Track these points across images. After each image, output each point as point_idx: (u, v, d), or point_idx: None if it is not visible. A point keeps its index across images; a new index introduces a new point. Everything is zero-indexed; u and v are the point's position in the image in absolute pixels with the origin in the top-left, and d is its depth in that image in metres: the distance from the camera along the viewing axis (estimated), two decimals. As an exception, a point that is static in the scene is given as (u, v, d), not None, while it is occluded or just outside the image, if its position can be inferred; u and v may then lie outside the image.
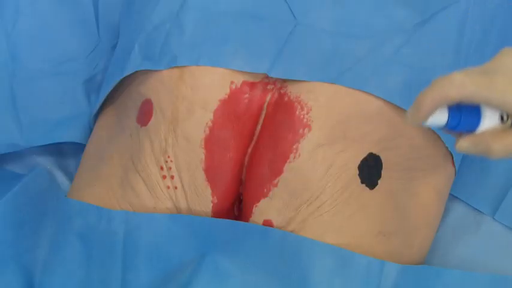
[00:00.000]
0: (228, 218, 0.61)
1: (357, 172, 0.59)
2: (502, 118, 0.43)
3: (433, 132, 0.62)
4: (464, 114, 0.43)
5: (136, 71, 0.65)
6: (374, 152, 0.60)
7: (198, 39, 0.62)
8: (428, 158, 0.63)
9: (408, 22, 0.62)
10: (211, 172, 0.60)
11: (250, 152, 0.62)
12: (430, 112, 0.43)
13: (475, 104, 0.43)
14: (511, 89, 0.41)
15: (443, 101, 0.42)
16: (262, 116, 0.62)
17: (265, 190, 0.59)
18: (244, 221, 0.60)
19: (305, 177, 0.58)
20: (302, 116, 0.59)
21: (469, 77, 0.42)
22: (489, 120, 0.43)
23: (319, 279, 0.57)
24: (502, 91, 0.41)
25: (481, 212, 0.70)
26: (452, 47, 0.63)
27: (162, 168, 0.61)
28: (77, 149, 0.78)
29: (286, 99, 0.60)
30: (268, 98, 0.61)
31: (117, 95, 0.70)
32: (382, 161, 0.60)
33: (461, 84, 0.41)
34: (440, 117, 0.43)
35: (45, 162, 0.77)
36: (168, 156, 0.61)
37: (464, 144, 0.45)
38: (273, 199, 0.59)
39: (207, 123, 0.60)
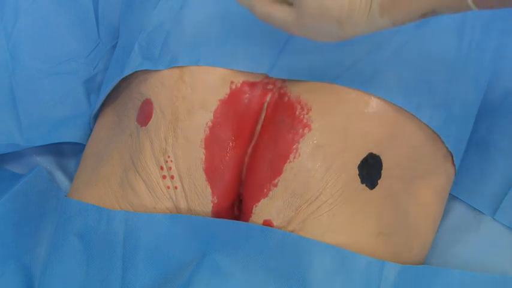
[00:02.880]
0: (228, 218, 0.61)
1: (357, 172, 0.59)
2: None
3: (433, 132, 0.62)
4: None
5: (137, 71, 0.65)
6: (374, 152, 0.60)
7: (198, 39, 0.62)
8: (428, 158, 0.63)
9: (408, 22, 0.62)
10: (211, 172, 0.60)
11: (250, 152, 0.62)
12: None
13: None
14: None
15: None
16: (262, 116, 0.62)
17: (265, 190, 0.59)
18: (244, 221, 0.60)
19: (305, 177, 0.58)
20: (302, 116, 0.59)
21: None
22: None
23: (319, 279, 0.57)
24: None
25: (481, 212, 0.70)
26: (452, 46, 0.63)
27: (162, 168, 0.61)
28: (77, 149, 0.78)
29: (286, 99, 0.60)
30: (268, 98, 0.61)
31: (117, 95, 0.70)
32: (382, 161, 0.60)
33: None
34: None
35: (45, 162, 0.77)
36: (168, 156, 0.61)
37: None
38: (273, 199, 0.59)
39: (207, 123, 0.60)
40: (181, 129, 0.60)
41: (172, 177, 0.61)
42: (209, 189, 0.60)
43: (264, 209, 0.59)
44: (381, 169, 0.60)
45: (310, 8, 0.45)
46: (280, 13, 0.47)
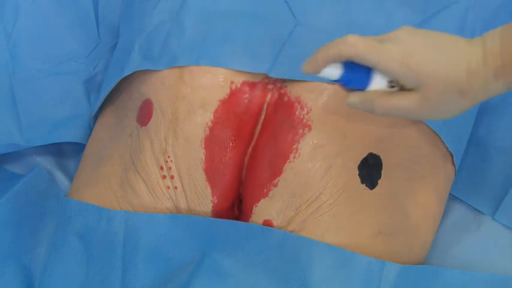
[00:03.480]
0: (228, 218, 0.61)
1: (357, 172, 0.59)
2: (393, 84, 0.47)
3: (433, 132, 0.62)
4: (357, 73, 0.47)
5: (137, 71, 0.65)
6: (374, 152, 0.60)
7: (198, 39, 0.62)
8: (428, 158, 0.63)
9: (408, 22, 0.62)
10: (211, 172, 0.60)
11: (250, 152, 0.62)
12: (323, 64, 0.47)
13: (368, 66, 0.46)
14: (397, 58, 0.44)
15: (335, 55, 0.46)
16: (262, 116, 0.62)
17: (265, 190, 0.59)
18: (244, 221, 0.60)
19: (305, 178, 0.58)
20: (302, 116, 0.59)
21: (362, 40, 0.46)
22: (379, 82, 0.47)
23: (319, 279, 0.57)
24: (388, 59, 0.45)
25: (481, 212, 0.70)
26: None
27: (162, 168, 0.61)
28: (77, 149, 0.78)
29: (286, 99, 0.60)
30: (268, 98, 0.61)
31: (117, 95, 0.70)
32: (382, 161, 0.60)
33: (353, 44, 0.45)
34: (334, 71, 0.47)
35: (45, 162, 0.77)
36: (168, 156, 0.61)
37: (352, 99, 0.49)
38: (273, 199, 0.59)
39: (207, 123, 0.60)
40: (181, 129, 0.60)
41: (172, 177, 0.61)
42: (209, 189, 0.60)
43: (264, 209, 0.59)
44: (381, 169, 0.60)
45: (434, 84, 0.45)
46: (403, 102, 0.46)
